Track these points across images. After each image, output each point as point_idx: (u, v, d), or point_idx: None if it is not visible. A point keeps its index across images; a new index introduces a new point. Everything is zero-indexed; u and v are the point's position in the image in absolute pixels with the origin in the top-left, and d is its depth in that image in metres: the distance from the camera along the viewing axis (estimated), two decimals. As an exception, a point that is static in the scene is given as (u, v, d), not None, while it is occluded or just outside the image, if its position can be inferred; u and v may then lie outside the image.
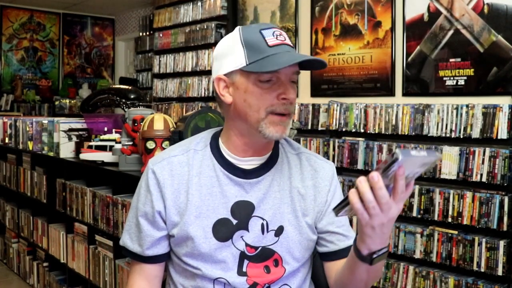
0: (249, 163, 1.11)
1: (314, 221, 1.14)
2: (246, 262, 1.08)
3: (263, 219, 1.08)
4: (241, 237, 1.07)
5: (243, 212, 1.08)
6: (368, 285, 1.05)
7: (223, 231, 1.06)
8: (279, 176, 1.12)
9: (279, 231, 1.09)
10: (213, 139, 1.14)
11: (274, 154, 1.14)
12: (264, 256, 1.09)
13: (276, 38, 1.02)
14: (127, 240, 1.15)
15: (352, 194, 0.83)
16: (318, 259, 1.23)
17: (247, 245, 1.08)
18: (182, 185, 1.09)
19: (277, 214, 1.09)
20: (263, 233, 1.08)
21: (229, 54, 1.05)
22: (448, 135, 2.76)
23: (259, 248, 1.08)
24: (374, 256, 0.91)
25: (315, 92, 3.72)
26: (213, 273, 1.06)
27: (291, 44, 1.05)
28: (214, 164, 1.10)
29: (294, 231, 1.10)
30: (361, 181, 0.83)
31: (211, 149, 1.12)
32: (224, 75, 1.06)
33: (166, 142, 2.05)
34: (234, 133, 1.10)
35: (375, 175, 0.80)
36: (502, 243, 2.49)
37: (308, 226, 1.12)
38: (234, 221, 1.07)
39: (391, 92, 3.22)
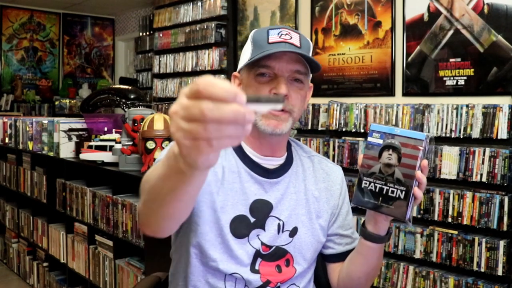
0: (270, 162, 1.12)
1: (327, 224, 1.16)
2: (259, 260, 1.08)
3: (279, 219, 1.10)
4: (257, 235, 1.08)
5: (261, 211, 1.09)
6: (377, 272, 1.15)
7: (240, 228, 1.06)
8: (294, 177, 1.15)
9: (294, 232, 1.11)
10: None
11: (289, 156, 1.17)
12: (277, 255, 1.10)
13: (280, 36, 1.05)
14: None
15: (418, 192, 0.94)
16: (319, 260, 1.23)
17: (262, 244, 1.08)
18: (211, 174, 1.07)
19: (292, 215, 1.11)
20: (278, 233, 1.10)
21: (243, 53, 1.12)
22: (448, 135, 2.76)
23: (273, 248, 1.09)
24: (390, 232, 1.06)
25: (315, 92, 3.68)
26: (228, 267, 1.06)
27: (296, 43, 1.05)
28: (236, 160, 1.11)
29: (307, 232, 1.12)
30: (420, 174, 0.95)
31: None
32: (238, 72, 1.13)
33: (166, 142, 2.05)
34: None
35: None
36: (502, 243, 2.49)
37: (321, 228, 1.15)
38: (252, 219, 1.08)
39: (391, 92, 3.22)
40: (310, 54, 1.09)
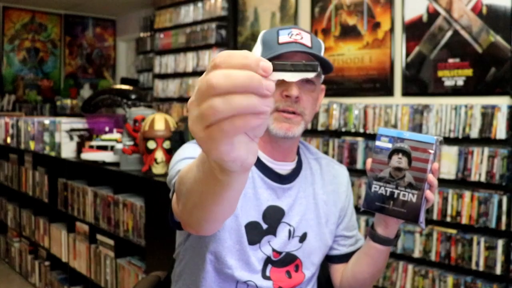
0: (283, 167, 1.11)
1: (335, 226, 1.17)
2: (269, 266, 1.07)
3: (290, 225, 1.09)
4: (269, 242, 1.07)
5: (273, 217, 1.07)
6: (382, 272, 1.15)
7: (252, 234, 1.05)
8: (304, 182, 1.13)
9: (303, 237, 1.10)
10: None
11: (299, 159, 1.15)
12: (287, 261, 1.09)
13: (290, 37, 1.02)
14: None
15: (430, 195, 0.95)
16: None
17: (273, 250, 1.07)
18: None
19: (302, 221, 1.10)
20: (289, 239, 1.09)
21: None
22: (447, 135, 2.77)
23: (283, 253, 1.08)
24: (399, 234, 1.07)
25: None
26: (242, 275, 1.05)
27: (307, 43, 1.02)
28: None
29: (316, 237, 1.12)
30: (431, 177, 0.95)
31: None
32: None
33: (167, 142, 2.07)
34: None
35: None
36: (500, 242, 2.51)
37: (330, 232, 1.15)
38: (265, 226, 1.06)
39: (390, 92, 3.24)
40: (322, 55, 1.06)
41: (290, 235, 1.08)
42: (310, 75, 0.45)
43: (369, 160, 1.00)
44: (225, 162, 0.47)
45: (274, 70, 0.44)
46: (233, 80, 0.42)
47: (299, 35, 1.03)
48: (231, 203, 0.63)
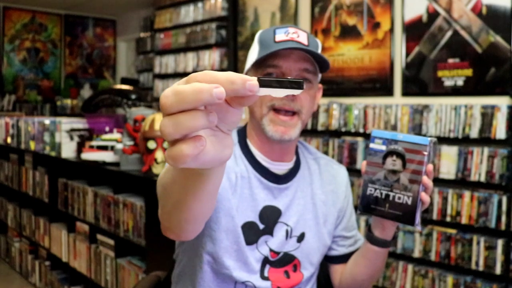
0: (279, 167, 1.10)
1: (334, 227, 1.16)
2: (267, 267, 1.07)
3: (287, 225, 1.08)
4: (266, 242, 1.07)
5: (270, 217, 1.07)
6: (380, 273, 1.15)
7: (249, 234, 1.05)
8: (302, 182, 1.13)
9: (301, 237, 1.10)
10: (241, 138, 1.13)
11: (297, 159, 1.15)
12: (285, 261, 1.09)
13: (287, 35, 1.02)
14: None
15: (425, 197, 0.94)
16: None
17: (271, 250, 1.07)
18: (226, 180, 1.04)
19: (300, 221, 1.10)
20: (286, 239, 1.08)
21: (250, 54, 1.10)
22: (446, 135, 2.78)
23: (281, 254, 1.08)
24: (396, 235, 1.04)
25: (315, 93, 3.73)
26: (241, 275, 1.04)
27: (304, 42, 1.02)
28: (246, 166, 1.08)
29: (314, 237, 1.12)
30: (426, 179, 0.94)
31: (241, 148, 1.11)
32: (245, 74, 1.09)
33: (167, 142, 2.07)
34: (255, 133, 1.10)
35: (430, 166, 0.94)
36: (500, 242, 2.51)
37: (328, 232, 1.14)
38: (261, 226, 1.06)
39: (390, 93, 3.24)
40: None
41: (288, 235, 1.08)
42: (296, 92, 0.45)
43: (363, 163, 1.00)
44: (197, 166, 0.47)
45: (261, 86, 0.45)
46: (180, 98, 0.41)
47: (295, 34, 1.02)
48: (210, 197, 0.63)
